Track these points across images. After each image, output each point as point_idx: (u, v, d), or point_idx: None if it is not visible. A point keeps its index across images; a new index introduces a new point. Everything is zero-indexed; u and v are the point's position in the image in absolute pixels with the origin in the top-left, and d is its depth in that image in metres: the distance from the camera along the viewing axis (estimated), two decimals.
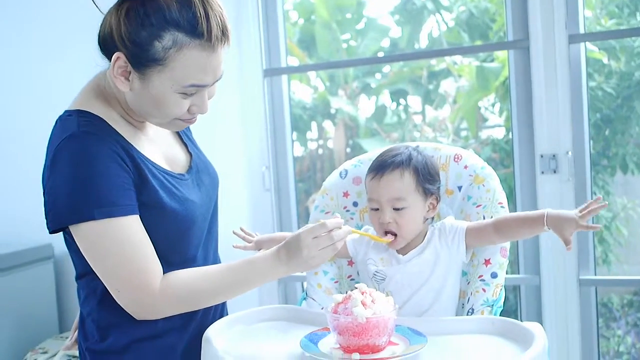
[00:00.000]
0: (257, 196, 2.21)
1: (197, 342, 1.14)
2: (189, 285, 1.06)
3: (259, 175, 2.20)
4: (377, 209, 1.26)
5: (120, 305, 1.04)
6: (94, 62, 1.08)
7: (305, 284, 1.42)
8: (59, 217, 1.01)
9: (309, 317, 1.22)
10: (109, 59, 1.04)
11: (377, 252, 1.31)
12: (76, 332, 1.25)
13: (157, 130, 1.17)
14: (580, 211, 1.14)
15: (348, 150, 4.55)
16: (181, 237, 1.10)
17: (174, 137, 1.22)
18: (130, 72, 1.02)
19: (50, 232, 1.04)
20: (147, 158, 1.08)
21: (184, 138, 1.24)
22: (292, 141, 2.28)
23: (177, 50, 0.99)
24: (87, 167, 0.99)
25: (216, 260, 1.27)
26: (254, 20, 2.16)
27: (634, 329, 3.35)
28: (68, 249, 1.11)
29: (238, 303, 1.46)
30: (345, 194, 1.44)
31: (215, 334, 1.12)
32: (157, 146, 1.15)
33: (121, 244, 1.00)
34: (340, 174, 1.45)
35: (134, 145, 1.07)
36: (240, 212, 2.21)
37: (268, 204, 2.21)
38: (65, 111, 1.07)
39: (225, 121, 2.21)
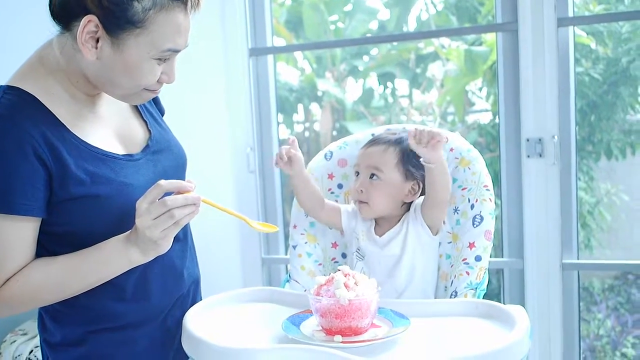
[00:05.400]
0: (241, 178, 2.19)
1: (165, 336, 1.11)
2: (30, 284, 0.96)
3: (243, 157, 2.18)
4: (358, 174, 1.30)
5: None
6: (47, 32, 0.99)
7: (289, 266, 1.41)
8: None
9: (292, 299, 1.22)
10: (65, 26, 0.96)
11: (362, 224, 1.33)
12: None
13: (112, 106, 1.09)
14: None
15: (334, 133, 4.53)
16: (124, 225, 0.99)
17: (132, 113, 1.13)
18: (99, 39, 0.94)
19: None
20: (81, 141, 0.99)
21: (145, 115, 1.15)
22: (278, 122, 2.26)
23: (156, 12, 0.93)
24: None
25: (191, 249, 1.20)
26: None
27: (614, 312, 3.40)
28: None
29: (220, 285, 1.45)
30: (330, 176, 1.43)
31: (195, 317, 1.11)
32: (106, 123, 1.06)
33: None
34: (325, 155, 1.44)
35: (69, 128, 0.98)
36: (224, 193, 2.19)
37: (252, 186, 2.19)
38: (0, 86, 0.99)
39: (209, 101, 2.18)
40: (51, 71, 1.00)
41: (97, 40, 0.94)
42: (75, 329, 1.05)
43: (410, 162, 1.27)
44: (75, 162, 0.97)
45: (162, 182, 0.96)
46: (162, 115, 1.24)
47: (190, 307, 1.14)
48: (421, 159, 1.20)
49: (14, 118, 0.93)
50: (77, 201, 0.97)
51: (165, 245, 0.98)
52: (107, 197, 0.99)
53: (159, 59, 0.98)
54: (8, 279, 0.96)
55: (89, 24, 0.92)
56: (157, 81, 1.01)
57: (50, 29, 1.00)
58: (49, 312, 1.07)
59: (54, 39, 1.01)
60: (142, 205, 0.95)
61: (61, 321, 1.06)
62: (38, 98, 0.97)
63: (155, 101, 1.22)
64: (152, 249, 0.98)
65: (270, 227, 1.12)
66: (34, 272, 0.97)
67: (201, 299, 1.21)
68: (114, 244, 0.99)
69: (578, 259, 1.94)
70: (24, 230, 0.95)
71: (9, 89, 0.97)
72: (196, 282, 1.20)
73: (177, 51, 0.99)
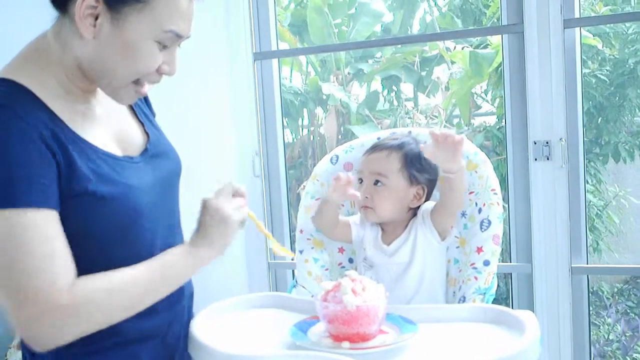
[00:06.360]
0: (247, 182, 2.18)
1: (166, 350, 1.06)
2: (104, 287, 0.89)
3: (249, 161, 2.17)
4: (362, 181, 1.30)
5: (15, 324, 0.84)
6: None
7: (295, 271, 1.40)
8: None
9: (299, 305, 1.21)
10: (63, 6, 0.91)
11: (371, 232, 1.32)
12: None
13: (107, 106, 1.03)
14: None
15: (339, 137, 4.52)
16: (125, 230, 0.94)
17: (128, 114, 1.08)
18: (97, 17, 0.89)
19: None
20: (81, 139, 0.92)
21: (141, 117, 1.09)
22: (283, 126, 2.25)
23: None
24: None
25: None
26: (244, 2, 2.11)
27: (624, 317, 3.37)
28: None
29: (226, 290, 1.44)
30: None
31: (202, 322, 1.10)
32: (103, 124, 1.00)
33: (18, 239, 0.83)
34: (331, 159, 1.43)
35: (67, 123, 0.92)
36: None
37: (258, 191, 2.18)
38: None
39: (214, 105, 2.18)
40: (46, 64, 0.95)
41: (96, 19, 0.90)
42: (71, 349, 0.91)
43: (414, 167, 1.26)
44: (79, 158, 0.91)
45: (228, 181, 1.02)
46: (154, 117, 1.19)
47: (187, 321, 1.10)
48: (440, 169, 1.19)
49: (14, 107, 0.86)
50: (80, 200, 0.90)
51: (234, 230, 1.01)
52: (111, 198, 0.93)
53: (160, 42, 0.93)
54: (78, 283, 0.87)
55: None
56: (157, 71, 0.95)
57: (42, 23, 0.97)
58: None
59: (48, 30, 0.97)
60: (216, 199, 1.00)
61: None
62: (33, 91, 0.91)
63: (147, 102, 1.16)
64: (221, 240, 0.99)
65: (288, 252, 1.17)
66: (95, 279, 0.89)
67: (193, 314, 1.15)
68: (183, 246, 0.99)
69: (587, 263, 1.92)
70: (52, 223, 0.86)
71: (2, 82, 0.91)
72: (191, 296, 1.15)
73: (179, 36, 0.94)
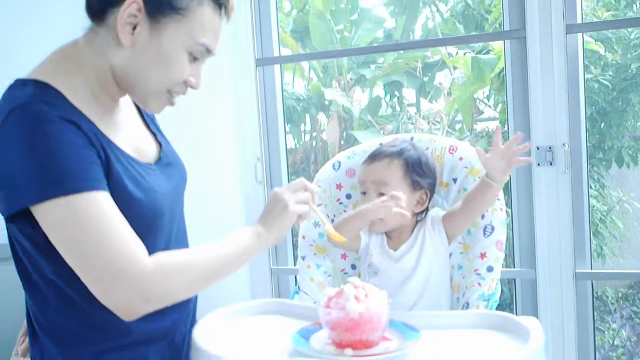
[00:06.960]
0: (249, 188, 2.18)
1: (174, 352, 1.07)
2: (183, 256, 0.96)
3: (251, 167, 2.17)
4: (365, 193, 1.28)
5: (103, 300, 0.88)
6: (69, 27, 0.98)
7: (298, 277, 1.40)
8: (16, 198, 0.87)
9: (301, 312, 1.20)
10: (101, 16, 0.95)
11: (376, 239, 1.31)
12: (26, 337, 1.13)
13: (127, 115, 1.06)
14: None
15: (342, 142, 4.52)
16: (147, 231, 0.96)
17: (142, 124, 1.12)
18: (136, 26, 0.93)
19: (6, 217, 0.91)
20: (111, 142, 0.96)
21: (152, 127, 1.13)
22: (285, 132, 2.25)
23: (198, 3, 0.95)
24: (45, 138, 0.86)
25: None
26: (246, 8, 2.12)
27: (629, 322, 3.35)
28: (11, 247, 0.97)
29: (229, 296, 1.43)
30: (339, 186, 1.42)
31: (205, 328, 1.10)
32: (125, 131, 1.03)
33: (96, 221, 0.87)
34: (334, 165, 1.43)
35: (98, 127, 0.95)
36: (232, 204, 2.18)
37: (260, 197, 2.18)
38: (17, 79, 0.94)
39: (216, 112, 2.18)
40: (78, 70, 0.98)
41: (134, 28, 0.94)
42: (83, 349, 0.96)
43: (416, 172, 1.26)
44: (113, 157, 0.95)
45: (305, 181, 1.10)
46: None
47: (191, 322, 1.12)
48: (485, 173, 1.18)
49: (50, 103, 0.89)
50: (113, 197, 0.92)
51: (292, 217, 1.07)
52: (138, 200, 0.96)
53: (191, 54, 0.98)
54: (158, 256, 0.92)
55: (132, 4, 0.92)
56: (184, 83, 1.00)
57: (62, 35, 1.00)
58: (47, 331, 0.98)
59: (79, 39, 1.00)
60: (286, 190, 1.08)
61: (64, 341, 0.97)
62: (64, 94, 0.93)
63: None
64: (281, 224, 1.06)
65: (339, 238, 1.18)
66: (175, 252, 0.97)
67: (196, 316, 1.17)
68: (247, 227, 1.05)
69: (591, 268, 1.91)
70: (112, 202, 0.90)
71: (35, 83, 0.93)
72: (196, 298, 1.17)
73: (208, 50, 0.99)
